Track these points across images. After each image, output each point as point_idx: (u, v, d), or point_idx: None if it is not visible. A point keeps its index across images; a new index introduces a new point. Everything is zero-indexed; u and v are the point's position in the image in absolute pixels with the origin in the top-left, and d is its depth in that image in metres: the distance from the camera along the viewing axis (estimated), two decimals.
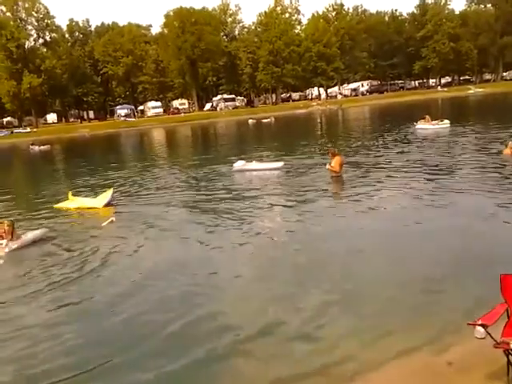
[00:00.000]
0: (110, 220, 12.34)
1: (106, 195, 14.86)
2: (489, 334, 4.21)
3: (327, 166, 15.71)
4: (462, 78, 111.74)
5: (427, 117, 29.19)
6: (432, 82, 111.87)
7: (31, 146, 45.57)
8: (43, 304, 7.54)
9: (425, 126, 28.16)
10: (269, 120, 57.39)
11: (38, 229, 11.67)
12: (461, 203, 11.20)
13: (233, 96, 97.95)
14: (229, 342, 5.92)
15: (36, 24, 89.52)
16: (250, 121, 58.19)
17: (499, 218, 9.71)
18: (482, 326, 4.22)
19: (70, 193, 15.45)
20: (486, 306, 4.77)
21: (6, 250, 10.38)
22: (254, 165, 19.35)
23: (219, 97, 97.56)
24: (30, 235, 11.10)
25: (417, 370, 5.00)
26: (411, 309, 6.29)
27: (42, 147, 45.17)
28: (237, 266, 8.49)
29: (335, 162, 15.49)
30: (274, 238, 9.91)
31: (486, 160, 16.32)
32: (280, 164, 19.04)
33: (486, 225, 9.42)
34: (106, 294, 7.71)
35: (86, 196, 16.16)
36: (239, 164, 19.33)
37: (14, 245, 10.54)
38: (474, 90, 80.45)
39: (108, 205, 14.45)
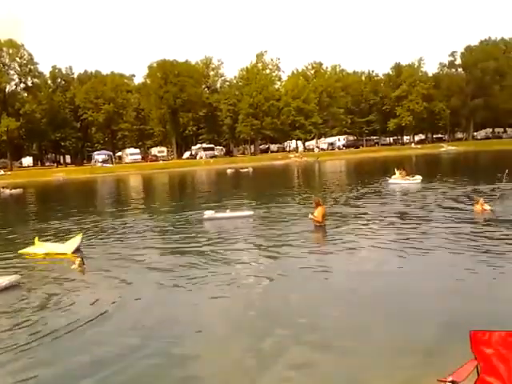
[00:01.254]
0: (78, 264, 11.95)
1: (75, 241, 14.50)
2: None
3: (310, 216, 15.72)
4: (435, 136, 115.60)
5: (403, 171, 29.84)
6: (406, 138, 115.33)
7: (2, 189, 44.81)
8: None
9: (397, 181, 28.67)
10: (247, 170, 57.94)
11: (7, 275, 11.03)
12: (433, 258, 11.23)
13: (212, 145, 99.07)
14: None
15: (19, 69, 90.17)
16: (229, 170, 58.64)
17: (472, 274, 9.69)
18: (452, 382, 4.06)
19: (36, 238, 14.97)
20: (457, 362, 4.61)
21: None
22: (224, 214, 19.36)
23: (198, 146, 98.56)
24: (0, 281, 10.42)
25: None
26: (381, 361, 6.10)
27: (13, 191, 44.45)
28: (207, 319, 8.17)
29: (318, 212, 15.54)
30: (250, 287, 9.69)
31: (458, 216, 16.53)
32: (250, 212, 19.15)
33: (459, 280, 9.38)
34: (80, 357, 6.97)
35: (53, 241, 15.71)
36: (209, 213, 19.29)
37: None
38: (446, 148, 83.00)
39: (77, 251, 14.06)
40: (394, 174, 30.07)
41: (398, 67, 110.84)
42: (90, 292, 9.89)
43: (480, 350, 4.44)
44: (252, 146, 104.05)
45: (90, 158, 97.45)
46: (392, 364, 6.04)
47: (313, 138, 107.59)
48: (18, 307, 9.15)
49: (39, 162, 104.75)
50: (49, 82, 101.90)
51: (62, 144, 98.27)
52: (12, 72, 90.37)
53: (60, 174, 71.65)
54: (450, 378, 4.10)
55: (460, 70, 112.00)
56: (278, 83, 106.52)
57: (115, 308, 8.84)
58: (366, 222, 16.31)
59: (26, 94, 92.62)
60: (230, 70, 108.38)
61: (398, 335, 6.88)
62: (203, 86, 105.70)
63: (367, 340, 6.80)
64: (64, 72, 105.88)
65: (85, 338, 7.51)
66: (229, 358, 6.67)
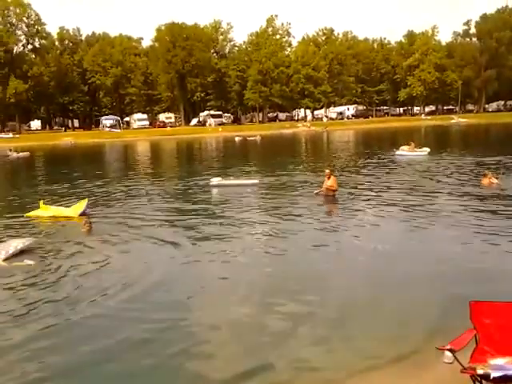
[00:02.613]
0: (86, 227, 12.18)
1: (81, 205, 14.69)
2: (456, 359, 4.19)
3: (324, 185, 15.84)
4: (445, 108, 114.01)
5: (412, 143, 29.60)
6: (416, 109, 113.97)
7: (9, 152, 44.81)
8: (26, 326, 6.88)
9: (404, 153, 28.49)
10: (255, 138, 57.64)
11: (20, 237, 11.12)
12: (437, 229, 11.32)
13: (220, 112, 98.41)
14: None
15: (26, 30, 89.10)
16: (237, 138, 58.39)
17: (476, 245, 9.83)
18: (451, 350, 4.21)
19: (41, 201, 15.10)
20: (456, 331, 4.77)
21: None
22: (231, 181, 19.52)
23: (206, 112, 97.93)
24: (14, 244, 10.36)
25: None
26: (381, 330, 6.27)
27: (20, 154, 44.51)
28: (218, 289, 8.26)
29: (333, 181, 15.68)
30: (258, 256, 9.85)
31: (465, 189, 16.52)
32: (256, 181, 19.40)
33: (463, 251, 9.52)
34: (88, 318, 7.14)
35: (58, 205, 15.84)
36: (216, 180, 19.44)
37: None
38: (456, 120, 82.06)
39: (83, 214, 14.27)
40: (403, 145, 29.84)
41: (410, 35, 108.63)
42: (99, 257, 10.00)
43: (479, 320, 4.59)
44: (260, 114, 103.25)
45: (97, 123, 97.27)
46: (394, 334, 6.20)
47: (322, 107, 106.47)
48: (36, 272, 9.10)
49: (47, 126, 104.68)
50: (56, 43, 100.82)
51: (70, 108, 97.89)
52: (19, 32, 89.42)
53: (69, 138, 71.74)
54: (449, 346, 4.24)
55: (474, 39, 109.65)
56: (288, 49, 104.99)
57: (125, 272, 8.98)
58: (371, 194, 16.34)
59: (33, 56, 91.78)
60: (240, 35, 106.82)
61: (402, 307, 7.02)
62: (212, 51, 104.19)
63: (371, 313, 6.94)
64: (72, 33, 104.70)
65: (97, 305, 7.60)
66: (237, 328, 6.79)
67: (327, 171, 16.18)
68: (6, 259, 9.83)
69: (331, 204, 15.12)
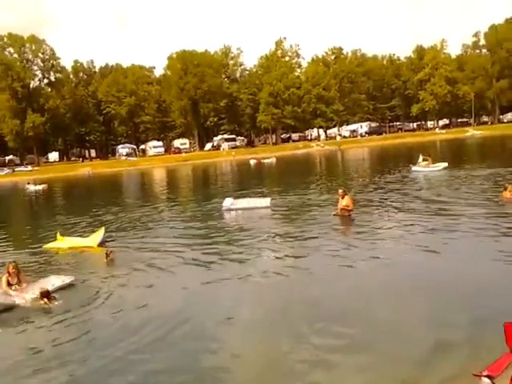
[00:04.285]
0: (108, 256, 12.23)
1: (99, 234, 14.73)
2: None
3: (339, 206, 15.74)
4: (459, 120, 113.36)
5: (429, 158, 29.43)
6: (430, 123, 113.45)
7: (27, 186, 45.55)
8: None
9: (421, 169, 28.24)
10: (270, 160, 57.76)
11: (62, 274, 10.90)
12: (460, 247, 11.11)
13: (233, 136, 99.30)
14: None
15: (41, 65, 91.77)
16: (252, 161, 58.62)
17: (499, 264, 9.60)
18: (488, 377, 4.11)
19: (58, 233, 15.16)
20: (491, 355, 4.65)
21: (22, 299, 9.46)
22: (244, 204, 19.47)
23: (220, 137, 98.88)
24: (54, 281, 10.14)
25: None
26: (415, 356, 6.11)
27: (37, 186, 45.15)
28: (237, 312, 8.27)
29: (348, 200, 15.58)
30: (275, 280, 9.79)
31: (485, 203, 16.28)
32: (268, 202, 19.24)
33: (487, 270, 9.31)
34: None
35: (75, 235, 15.92)
36: (228, 203, 19.41)
37: (30, 292, 9.53)
38: (472, 132, 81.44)
39: (102, 244, 14.35)
40: (420, 160, 29.63)
41: (419, 50, 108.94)
42: (127, 286, 10.12)
43: None
44: (273, 136, 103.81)
45: (114, 152, 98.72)
46: (426, 359, 6.03)
47: (334, 126, 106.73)
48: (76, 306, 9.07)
49: (65, 157, 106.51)
50: (71, 76, 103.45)
51: (87, 138, 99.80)
52: (35, 68, 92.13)
53: (87, 168, 72.82)
54: (486, 373, 4.14)
55: (484, 50, 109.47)
56: (298, 70, 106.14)
57: (155, 300, 9.04)
58: (389, 212, 16.15)
59: (49, 90, 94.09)
60: (250, 59, 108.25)
61: (431, 328, 6.87)
62: (223, 76, 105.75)
63: (398, 334, 6.80)
64: (85, 66, 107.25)
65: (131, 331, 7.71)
66: (256, 348, 6.80)
67: (340, 191, 16.07)
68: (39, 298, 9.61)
69: (348, 224, 14.96)
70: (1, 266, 12.36)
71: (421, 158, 29.69)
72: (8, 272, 10.07)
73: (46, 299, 9.12)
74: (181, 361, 6.60)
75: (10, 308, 9.26)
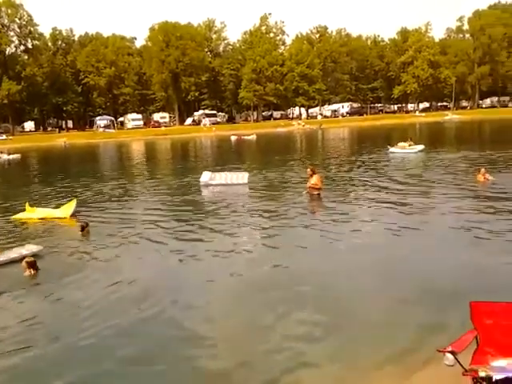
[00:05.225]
0: (85, 228, 12.05)
1: (71, 205, 14.58)
2: (458, 361, 4.11)
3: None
4: (439, 104, 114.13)
5: (410, 140, 29.66)
6: (411, 106, 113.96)
7: (0, 154, 44.58)
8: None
9: (397, 150, 28.45)
10: (251, 137, 57.43)
11: (25, 244, 10.76)
12: (433, 226, 11.25)
13: (214, 112, 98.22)
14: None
15: (18, 31, 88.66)
16: (232, 137, 58.21)
17: (473, 244, 9.74)
18: (452, 352, 4.12)
19: (27, 204, 14.83)
20: (456, 332, 4.70)
21: None
22: (222, 177, 19.36)
23: (201, 112, 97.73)
24: (20, 250, 10.07)
25: None
26: (381, 332, 6.18)
27: (10, 156, 44.19)
28: (212, 289, 8.19)
29: (316, 179, 15.51)
30: (251, 256, 9.76)
31: (459, 186, 16.48)
32: (246, 176, 19.21)
33: (459, 250, 9.45)
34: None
35: (43, 207, 15.58)
36: (206, 177, 19.23)
37: None
38: (450, 116, 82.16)
39: (73, 215, 14.15)
40: (399, 142, 29.84)
41: (404, 32, 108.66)
42: (99, 255, 10.08)
43: (480, 321, 4.50)
44: (255, 113, 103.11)
45: (92, 124, 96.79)
46: (391, 335, 6.11)
47: (316, 105, 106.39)
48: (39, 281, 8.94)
49: (41, 127, 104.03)
50: (49, 44, 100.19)
51: (64, 108, 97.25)
52: (12, 33, 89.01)
53: (63, 138, 71.30)
54: (450, 348, 4.16)
55: (467, 35, 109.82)
56: (282, 47, 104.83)
57: (130, 274, 8.91)
58: (362, 192, 16.26)
59: (26, 57, 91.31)
60: (234, 34, 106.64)
61: (399, 308, 6.94)
62: (206, 50, 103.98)
63: (365, 312, 6.86)
64: (65, 34, 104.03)
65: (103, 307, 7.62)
66: (231, 328, 6.79)
67: (309, 170, 16.10)
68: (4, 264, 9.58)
69: (315, 203, 14.99)
70: None
71: (403, 143, 29.72)
72: None
73: (32, 269, 8.93)
74: (157, 340, 6.49)
75: None
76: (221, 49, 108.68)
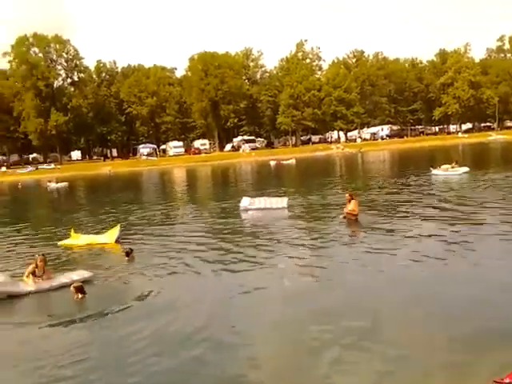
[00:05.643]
0: (130, 254, 12.35)
1: (115, 231, 14.93)
2: None
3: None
4: (482, 125, 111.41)
5: (454, 162, 29.04)
6: (452, 127, 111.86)
7: (48, 183, 46.20)
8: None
9: (441, 172, 27.89)
10: (290, 161, 57.56)
11: (75, 270, 11.12)
12: (480, 252, 10.89)
13: (253, 137, 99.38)
14: None
15: (65, 64, 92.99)
16: (272, 162, 58.51)
17: None
18: None
19: (72, 230, 15.34)
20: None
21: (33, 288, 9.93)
22: (261, 202, 19.52)
23: (240, 138, 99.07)
24: (70, 276, 10.43)
25: None
26: (433, 358, 6.04)
27: (59, 184, 45.69)
28: (258, 313, 8.26)
29: (354, 205, 15.52)
30: (292, 281, 9.78)
31: (506, 208, 15.98)
32: (285, 200, 19.31)
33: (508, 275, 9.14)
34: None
35: (90, 233, 16.08)
36: (246, 202, 19.45)
37: (45, 285, 10.05)
38: (495, 137, 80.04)
39: (118, 241, 14.50)
40: (442, 165, 29.23)
41: (442, 54, 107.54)
42: (145, 281, 10.30)
43: None
44: (293, 138, 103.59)
45: (135, 152, 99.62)
46: (445, 361, 5.96)
47: (355, 128, 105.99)
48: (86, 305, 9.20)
49: (87, 156, 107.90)
50: (94, 76, 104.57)
51: (108, 138, 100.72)
52: (59, 67, 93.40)
53: (108, 167, 73.57)
54: (508, 380, 4.07)
55: (509, 55, 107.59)
56: (319, 73, 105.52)
57: (175, 299, 9.12)
58: (404, 215, 16.05)
59: (72, 89, 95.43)
60: (270, 61, 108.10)
61: (453, 335, 6.74)
62: (243, 78, 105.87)
63: (416, 338, 6.74)
64: (108, 66, 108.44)
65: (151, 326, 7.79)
66: (274, 350, 6.81)
67: (347, 195, 16.19)
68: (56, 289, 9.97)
69: (353, 228, 14.92)
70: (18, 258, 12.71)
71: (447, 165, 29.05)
72: (36, 264, 10.44)
73: (79, 294, 9.26)
74: (197, 365, 6.56)
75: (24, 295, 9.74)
76: (258, 76, 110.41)
